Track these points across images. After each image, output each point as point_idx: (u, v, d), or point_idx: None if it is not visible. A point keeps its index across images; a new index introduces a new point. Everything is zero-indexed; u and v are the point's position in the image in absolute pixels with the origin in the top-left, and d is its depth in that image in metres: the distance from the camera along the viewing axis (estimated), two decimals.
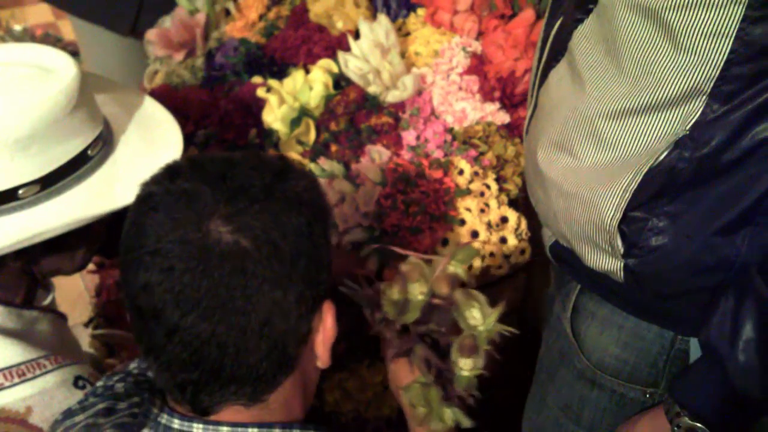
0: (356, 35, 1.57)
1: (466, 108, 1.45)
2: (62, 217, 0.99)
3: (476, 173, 1.37)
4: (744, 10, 0.80)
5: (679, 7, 0.82)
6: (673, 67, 0.86)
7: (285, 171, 0.80)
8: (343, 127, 1.44)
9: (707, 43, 0.83)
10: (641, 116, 0.91)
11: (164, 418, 0.82)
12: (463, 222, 1.33)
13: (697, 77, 0.85)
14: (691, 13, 0.82)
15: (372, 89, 1.49)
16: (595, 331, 1.16)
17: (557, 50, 1.05)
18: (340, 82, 1.54)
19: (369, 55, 1.50)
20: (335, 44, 1.58)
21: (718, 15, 0.81)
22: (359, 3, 1.65)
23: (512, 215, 1.37)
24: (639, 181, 0.92)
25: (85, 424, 0.85)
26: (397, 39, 1.53)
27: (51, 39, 3.97)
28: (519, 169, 1.43)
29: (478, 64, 1.49)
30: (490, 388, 2.00)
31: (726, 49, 0.83)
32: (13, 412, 0.98)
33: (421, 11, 1.63)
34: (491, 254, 1.35)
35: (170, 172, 0.78)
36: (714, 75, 0.84)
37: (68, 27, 4.17)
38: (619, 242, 0.97)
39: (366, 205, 1.32)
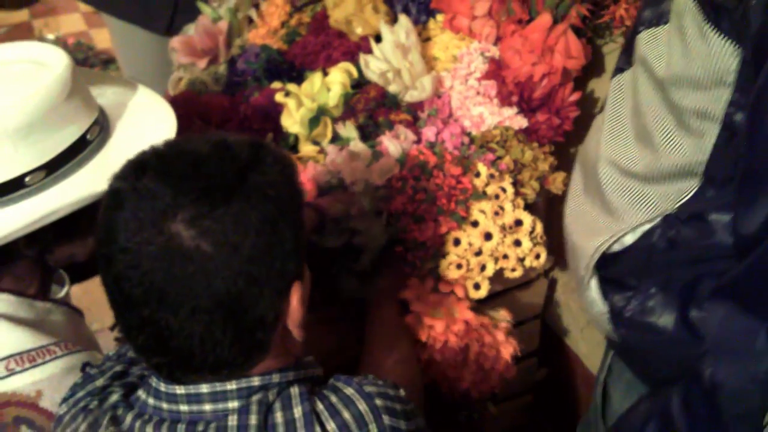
0: (377, 41, 1.58)
1: (484, 113, 1.46)
2: (68, 198, 1.03)
3: (492, 176, 1.37)
4: (731, 95, 0.77)
5: (677, 83, 0.81)
6: (673, 142, 0.85)
7: (254, 162, 0.81)
8: (362, 122, 1.46)
9: (699, 123, 0.81)
10: (639, 183, 0.90)
11: (154, 381, 0.86)
12: (476, 224, 1.34)
13: (693, 158, 0.83)
14: (686, 91, 0.81)
15: (392, 88, 1.50)
16: (620, 394, 1.14)
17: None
18: (361, 84, 1.56)
19: (390, 56, 1.51)
20: (354, 50, 1.60)
21: (706, 96, 0.79)
22: (378, 9, 1.67)
23: (527, 218, 1.37)
24: (612, 245, 0.91)
25: (102, 386, 0.91)
26: (417, 39, 1.55)
27: (83, 47, 4.05)
28: (536, 174, 1.44)
29: (496, 69, 1.50)
30: (512, 396, 2.01)
31: (714, 132, 0.80)
32: (23, 396, 1.02)
33: (440, 17, 1.64)
34: (505, 256, 1.35)
35: (137, 167, 0.80)
36: (703, 158, 0.82)
37: (100, 36, 4.26)
38: (600, 305, 0.96)
39: (380, 178, 1.34)
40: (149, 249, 0.75)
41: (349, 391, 0.86)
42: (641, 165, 0.89)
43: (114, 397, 0.88)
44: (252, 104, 1.57)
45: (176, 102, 1.69)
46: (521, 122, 1.47)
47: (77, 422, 0.87)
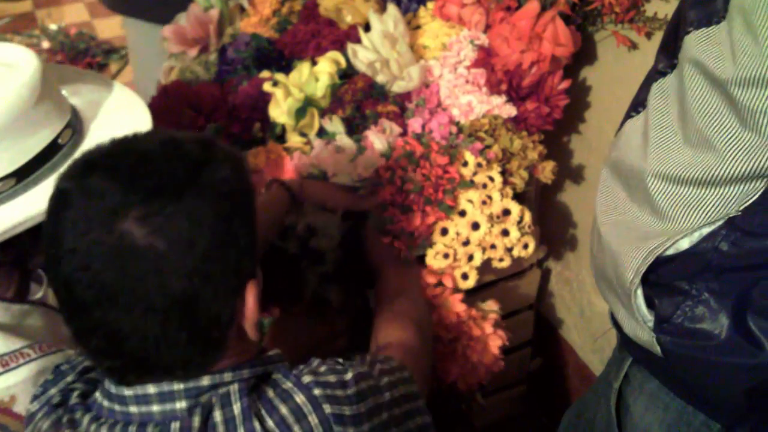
0: (366, 30, 1.57)
1: (472, 101, 1.45)
2: (40, 205, 0.99)
3: (480, 165, 1.36)
4: None
5: (745, 83, 0.76)
6: (739, 145, 0.80)
7: (204, 161, 0.79)
8: (349, 114, 1.45)
9: None
10: (696, 188, 0.85)
11: (106, 383, 0.85)
12: (463, 213, 1.33)
13: (762, 160, 0.78)
14: (756, 92, 0.76)
15: (380, 78, 1.49)
16: (642, 406, 1.10)
17: (639, 101, 1.01)
18: (349, 73, 1.54)
19: (378, 45, 1.50)
20: (343, 38, 1.58)
21: None
22: None
23: (515, 208, 1.36)
24: (667, 248, 0.87)
25: (70, 382, 0.90)
26: (406, 29, 1.53)
27: (85, 37, 4.04)
28: (525, 163, 1.42)
29: (485, 57, 1.48)
30: (506, 386, 2.00)
31: None
32: None
33: (430, 4, 1.63)
34: (492, 246, 1.34)
35: (85, 167, 0.78)
36: None
37: (103, 26, 4.25)
38: (645, 311, 0.92)
39: (365, 170, 1.33)
40: (99, 249, 0.73)
41: (287, 385, 0.85)
42: (698, 170, 0.84)
43: (74, 396, 0.87)
44: (240, 93, 1.56)
45: (167, 91, 1.68)
46: (510, 111, 1.45)
47: (43, 419, 0.86)
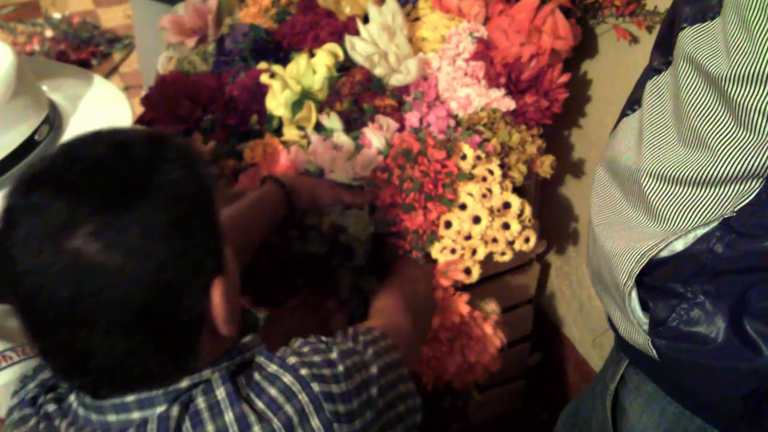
0: (365, 21, 1.55)
1: (471, 94, 1.43)
2: None
3: (478, 158, 1.35)
4: None
5: (741, 80, 0.74)
6: (734, 144, 0.77)
7: (155, 161, 0.76)
8: (347, 107, 1.44)
9: (766, 123, 0.74)
10: (691, 188, 0.83)
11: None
12: (464, 207, 1.31)
13: (757, 159, 0.76)
14: (751, 89, 0.73)
15: (378, 71, 1.48)
16: (638, 409, 1.07)
17: (634, 99, 0.99)
18: (347, 65, 1.53)
19: (377, 38, 1.48)
20: (341, 29, 1.57)
21: None
22: None
23: (515, 201, 1.34)
24: (660, 250, 0.85)
25: (48, 377, 0.88)
26: (404, 21, 1.52)
27: (88, 26, 4.03)
28: (524, 157, 1.41)
29: (484, 50, 1.47)
30: (505, 381, 1.99)
31: None
32: None
33: None
34: (494, 240, 1.33)
35: (29, 182, 0.75)
36: None
37: (107, 15, 4.24)
38: (640, 314, 0.90)
39: (364, 169, 1.32)
40: (53, 269, 0.70)
41: (272, 368, 0.84)
42: (692, 170, 0.82)
43: (50, 395, 0.86)
44: (238, 85, 1.55)
45: (165, 82, 1.67)
46: (509, 104, 1.44)
47: (19, 415, 0.85)
